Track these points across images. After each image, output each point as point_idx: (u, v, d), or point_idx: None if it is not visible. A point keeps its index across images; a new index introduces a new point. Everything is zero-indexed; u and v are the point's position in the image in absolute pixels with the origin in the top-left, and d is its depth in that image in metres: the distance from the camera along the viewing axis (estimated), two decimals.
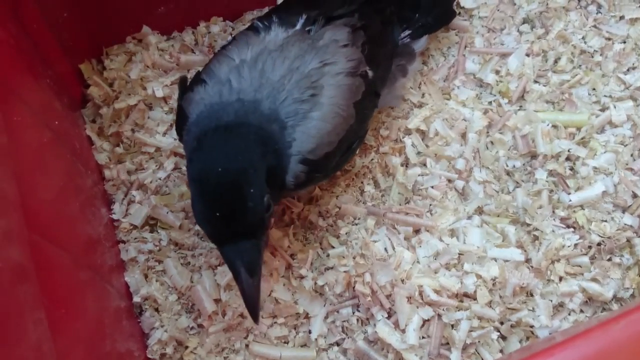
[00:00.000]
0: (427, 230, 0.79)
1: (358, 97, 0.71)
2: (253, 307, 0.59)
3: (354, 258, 0.77)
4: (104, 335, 0.68)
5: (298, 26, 0.73)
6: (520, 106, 0.89)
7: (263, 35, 0.72)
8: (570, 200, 0.79)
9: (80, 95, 0.88)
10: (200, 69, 0.73)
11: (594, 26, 0.93)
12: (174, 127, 0.75)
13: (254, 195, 0.58)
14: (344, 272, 0.76)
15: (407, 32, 0.86)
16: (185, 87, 0.71)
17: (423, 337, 0.73)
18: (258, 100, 0.65)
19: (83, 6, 0.83)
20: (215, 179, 0.58)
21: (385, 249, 0.78)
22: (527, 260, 0.77)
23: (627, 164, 0.82)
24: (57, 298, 0.59)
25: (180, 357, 0.75)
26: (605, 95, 0.87)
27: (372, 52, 0.74)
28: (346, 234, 0.80)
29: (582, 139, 0.84)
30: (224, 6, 0.93)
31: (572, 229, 0.79)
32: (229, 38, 0.87)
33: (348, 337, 0.75)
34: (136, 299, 0.76)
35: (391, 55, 0.81)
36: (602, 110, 0.87)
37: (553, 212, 0.80)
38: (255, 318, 0.60)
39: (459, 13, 0.96)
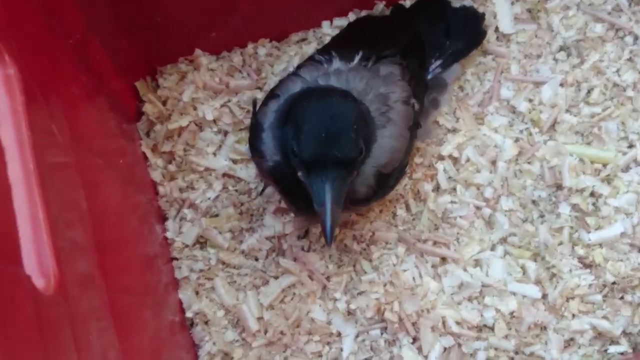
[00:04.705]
0: (453, 261, 0.85)
1: (410, 123, 0.76)
2: (331, 230, 0.61)
3: (384, 285, 0.84)
4: (161, 347, 0.77)
5: (355, 61, 0.78)
6: (550, 136, 0.92)
7: (326, 66, 0.77)
8: (590, 240, 0.84)
9: (134, 112, 0.94)
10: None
11: (629, 59, 0.95)
12: (248, 143, 0.78)
13: (356, 134, 0.62)
14: (375, 299, 0.83)
15: (439, 62, 0.90)
16: (256, 106, 0.76)
17: None
18: None
19: (139, 34, 0.88)
20: (326, 105, 0.63)
21: (414, 278, 0.85)
22: (544, 296, 0.83)
23: None
24: (120, 312, 0.65)
25: None
26: (633, 132, 0.90)
27: (415, 89, 0.79)
28: (378, 258, 0.86)
29: (607, 176, 0.88)
30: (270, 28, 0.97)
31: (588, 269, 0.84)
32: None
33: (376, 356, 0.84)
34: (189, 314, 0.85)
35: (424, 95, 0.85)
36: (629, 147, 0.90)
37: (572, 249, 0.85)
38: (331, 241, 0.62)
39: (497, 38, 0.98)
